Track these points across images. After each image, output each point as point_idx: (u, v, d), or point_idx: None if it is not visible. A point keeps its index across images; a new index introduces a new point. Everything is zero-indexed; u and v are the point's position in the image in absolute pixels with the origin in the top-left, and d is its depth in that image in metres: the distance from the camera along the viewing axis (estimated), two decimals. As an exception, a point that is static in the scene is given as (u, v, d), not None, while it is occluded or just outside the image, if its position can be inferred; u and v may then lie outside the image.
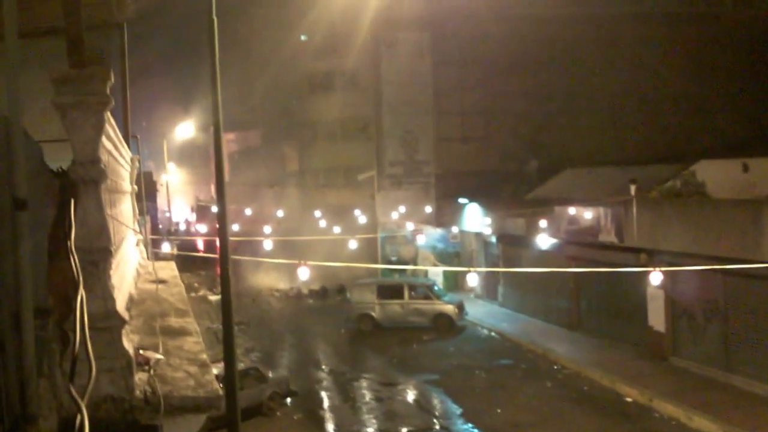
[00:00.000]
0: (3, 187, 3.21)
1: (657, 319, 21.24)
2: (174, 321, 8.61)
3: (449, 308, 27.30)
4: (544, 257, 25.21)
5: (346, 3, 35.63)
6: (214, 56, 9.26)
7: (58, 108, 4.85)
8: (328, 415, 19.26)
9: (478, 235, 32.19)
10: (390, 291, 27.98)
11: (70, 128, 4.88)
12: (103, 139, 5.32)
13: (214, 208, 31.38)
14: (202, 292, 34.43)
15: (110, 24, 11.58)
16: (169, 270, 14.20)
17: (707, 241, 18.55)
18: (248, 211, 42.11)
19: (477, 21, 34.04)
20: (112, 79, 5.05)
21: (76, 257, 3.89)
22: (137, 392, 4.73)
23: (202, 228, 38.89)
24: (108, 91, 4.98)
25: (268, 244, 22.30)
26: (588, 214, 23.56)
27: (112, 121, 6.51)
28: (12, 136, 3.19)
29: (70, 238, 3.96)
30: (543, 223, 24.75)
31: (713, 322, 19.53)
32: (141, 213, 13.87)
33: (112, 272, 5.08)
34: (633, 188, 20.86)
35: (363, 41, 37.68)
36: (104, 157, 5.56)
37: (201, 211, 48.07)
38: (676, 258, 19.06)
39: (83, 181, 4.78)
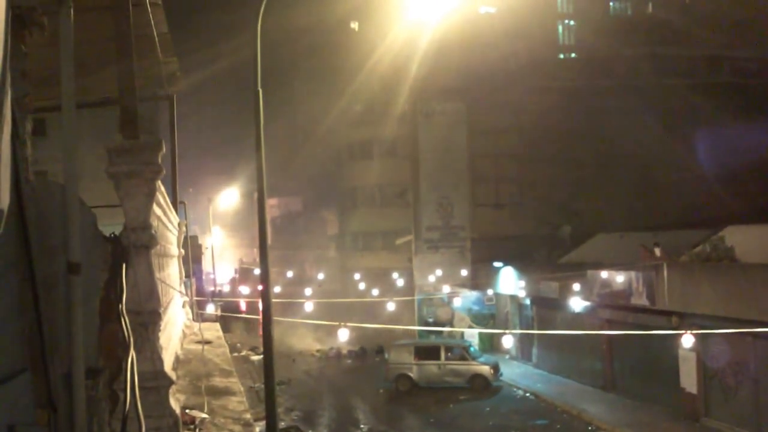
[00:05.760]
0: (58, 251, 3.23)
1: (689, 380, 21.52)
2: (218, 381, 9.23)
3: (485, 369, 27.57)
4: (577, 319, 25.73)
5: (385, 75, 37.32)
6: (259, 126, 9.58)
7: (112, 177, 4.97)
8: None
9: (513, 297, 32.73)
10: (427, 352, 28.33)
11: (123, 196, 5.00)
12: (154, 205, 5.46)
13: (257, 271, 32.44)
14: (244, 352, 35.10)
15: (161, 97, 12.34)
16: (214, 331, 14.92)
17: (737, 305, 18.86)
18: (290, 274, 43.29)
19: (511, 92, 35.36)
20: (164, 150, 5.24)
21: (126, 319, 3.95)
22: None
23: (245, 290, 39.87)
24: (160, 160, 5.13)
25: (308, 306, 23.24)
26: (620, 278, 24.05)
27: (162, 188, 6.71)
28: (68, 204, 3.21)
29: (121, 301, 3.99)
30: (576, 286, 25.34)
31: (744, 384, 19.81)
32: (187, 275, 14.69)
33: (160, 333, 5.22)
34: (658, 251, 21.44)
35: (401, 111, 39.13)
36: (154, 222, 5.68)
37: (244, 273, 49.15)
38: (706, 321, 19.36)
39: (134, 246, 4.85)
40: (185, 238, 13.69)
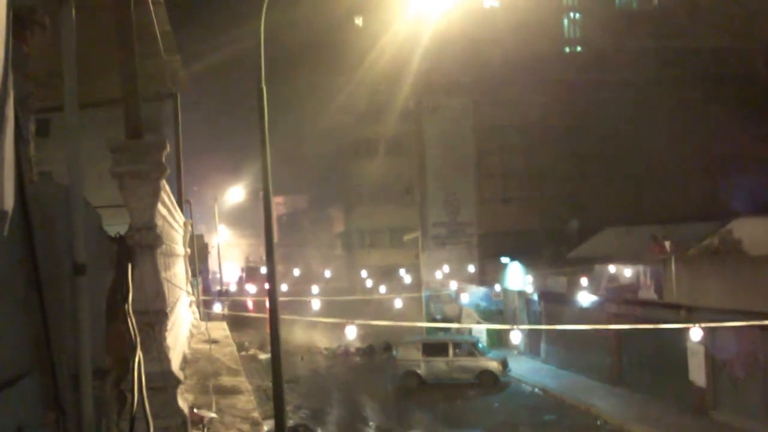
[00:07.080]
0: (64, 252, 3.22)
1: (698, 374, 21.45)
2: (226, 380, 9.15)
3: (493, 365, 27.52)
4: (585, 314, 25.66)
5: (389, 71, 37.26)
6: (263, 124, 9.52)
7: (116, 176, 4.90)
8: (376, 469, 19.67)
9: (521, 293, 32.69)
10: (435, 348, 28.29)
11: (127, 196, 4.93)
12: (159, 205, 5.39)
13: (263, 269, 32.52)
14: (252, 351, 35.15)
15: (164, 95, 12.30)
16: (221, 330, 14.93)
17: (745, 297, 18.76)
18: (296, 272, 43.36)
19: (516, 86, 35.29)
20: (168, 148, 5.13)
21: (133, 319, 3.92)
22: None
23: (252, 288, 39.90)
24: (164, 159, 5.05)
25: (315, 304, 23.28)
26: (628, 272, 24.02)
27: (167, 187, 6.58)
28: (73, 204, 3.20)
29: (127, 301, 3.96)
30: (584, 281, 25.32)
31: (753, 376, 19.73)
32: (194, 275, 14.70)
33: (167, 333, 5.18)
34: (667, 244, 21.38)
35: (406, 107, 39.10)
36: (159, 222, 5.59)
37: (250, 271, 49.19)
38: (715, 314, 19.26)
39: (140, 246, 4.82)
40: (191, 237, 13.67)
